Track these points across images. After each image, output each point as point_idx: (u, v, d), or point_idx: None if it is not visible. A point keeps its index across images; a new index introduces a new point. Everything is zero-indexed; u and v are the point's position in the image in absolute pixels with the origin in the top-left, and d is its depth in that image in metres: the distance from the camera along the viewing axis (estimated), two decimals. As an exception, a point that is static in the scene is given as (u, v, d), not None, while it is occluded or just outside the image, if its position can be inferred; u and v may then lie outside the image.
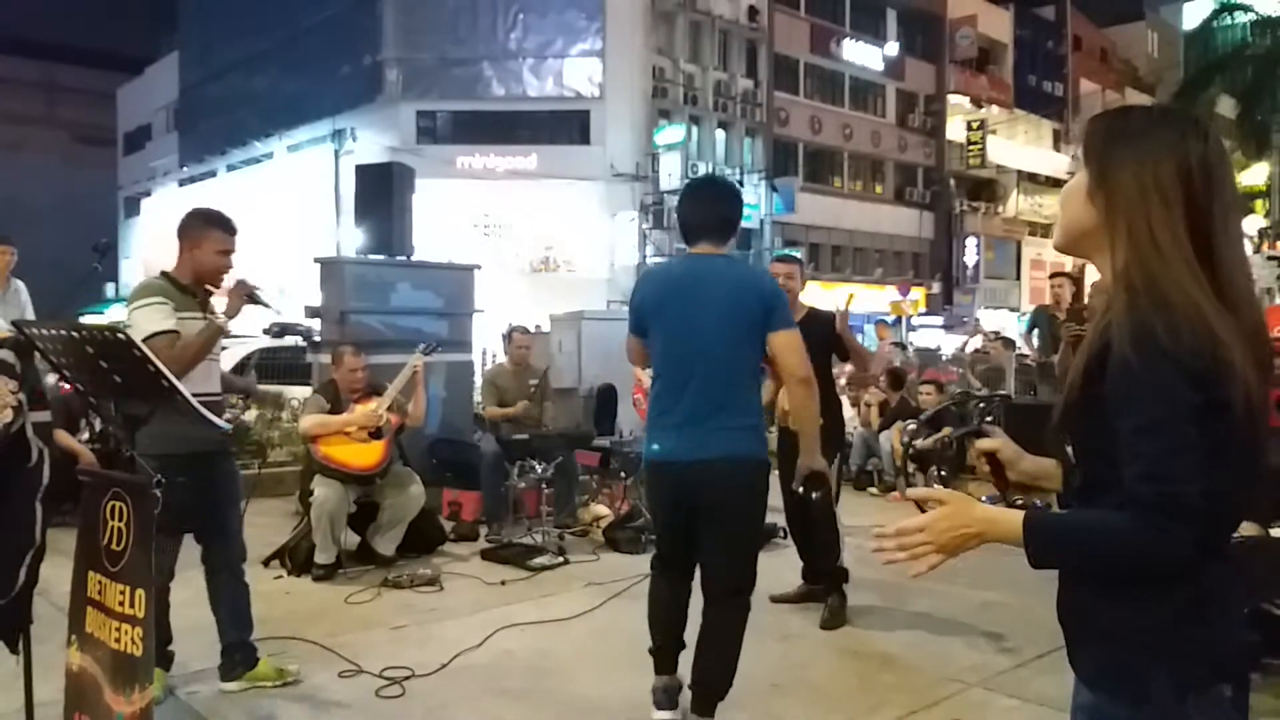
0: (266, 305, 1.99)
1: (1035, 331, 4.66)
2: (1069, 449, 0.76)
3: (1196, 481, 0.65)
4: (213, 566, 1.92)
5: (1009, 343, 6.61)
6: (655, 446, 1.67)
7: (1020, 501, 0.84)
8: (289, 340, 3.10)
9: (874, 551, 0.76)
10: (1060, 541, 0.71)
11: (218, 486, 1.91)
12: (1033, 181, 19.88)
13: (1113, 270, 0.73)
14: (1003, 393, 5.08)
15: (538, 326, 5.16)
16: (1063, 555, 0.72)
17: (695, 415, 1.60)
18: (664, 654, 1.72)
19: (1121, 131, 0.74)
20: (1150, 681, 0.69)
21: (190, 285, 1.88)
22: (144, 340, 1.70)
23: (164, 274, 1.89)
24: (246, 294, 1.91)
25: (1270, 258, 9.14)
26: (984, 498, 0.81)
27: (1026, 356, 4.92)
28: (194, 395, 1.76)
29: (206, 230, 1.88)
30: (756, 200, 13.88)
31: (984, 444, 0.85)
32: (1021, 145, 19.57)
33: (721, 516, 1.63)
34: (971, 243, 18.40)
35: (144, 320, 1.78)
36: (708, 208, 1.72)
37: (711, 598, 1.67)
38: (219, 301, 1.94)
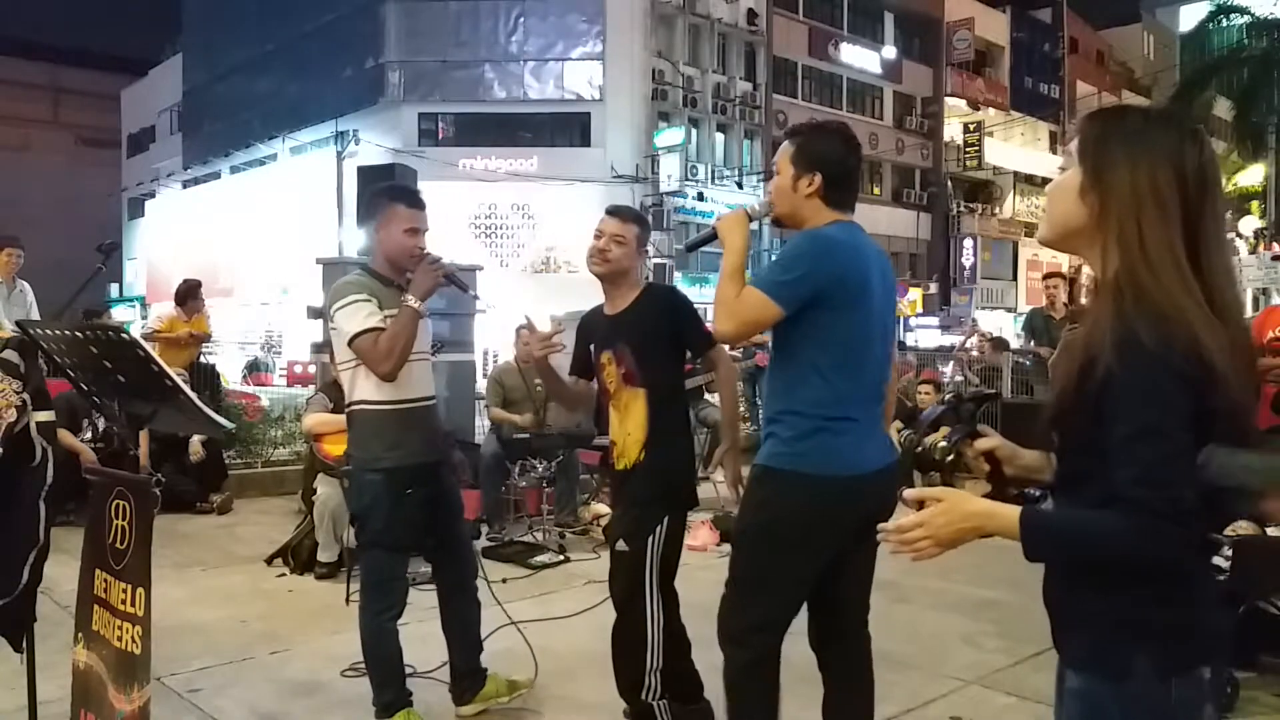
0: (464, 288, 1.70)
1: (1033, 333, 4.68)
2: (1054, 440, 0.80)
3: (1188, 486, 0.69)
4: (447, 587, 1.78)
5: (999, 343, 6.64)
6: (864, 455, 1.25)
7: (1015, 493, 0.88)
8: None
9: (881, 540, 0.82)
10: (1055, 538, 0.74)
11: (448, 499, 1.76)
12: (1029, 183, 19.91)
13: (1103, 272, 0.74)
14: (992, 390, 5.09)
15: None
16: (1057, 550, 0.75)
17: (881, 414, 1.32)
18: None
19: (1118, 132, 0.74)
20: (1134, 664, 0.73)
21: (390, 276, 1.64)
22: (349, 343, 1.57)
23: (363, 267, 1.68)
24: (444, 274, 1.60)
25: (1275, 258, 9.16)
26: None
27: (1025, 355, 4.94)
28: (408, 401, 1.63)
29: (390, 208, 1.64)
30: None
31: (983, 444, 0.89)
32: (1018, 147, 19.60)
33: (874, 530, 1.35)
34: (968, 244, 18.42)
35: (346, 322, 1.58)
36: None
37: (850, 633, 1.38)
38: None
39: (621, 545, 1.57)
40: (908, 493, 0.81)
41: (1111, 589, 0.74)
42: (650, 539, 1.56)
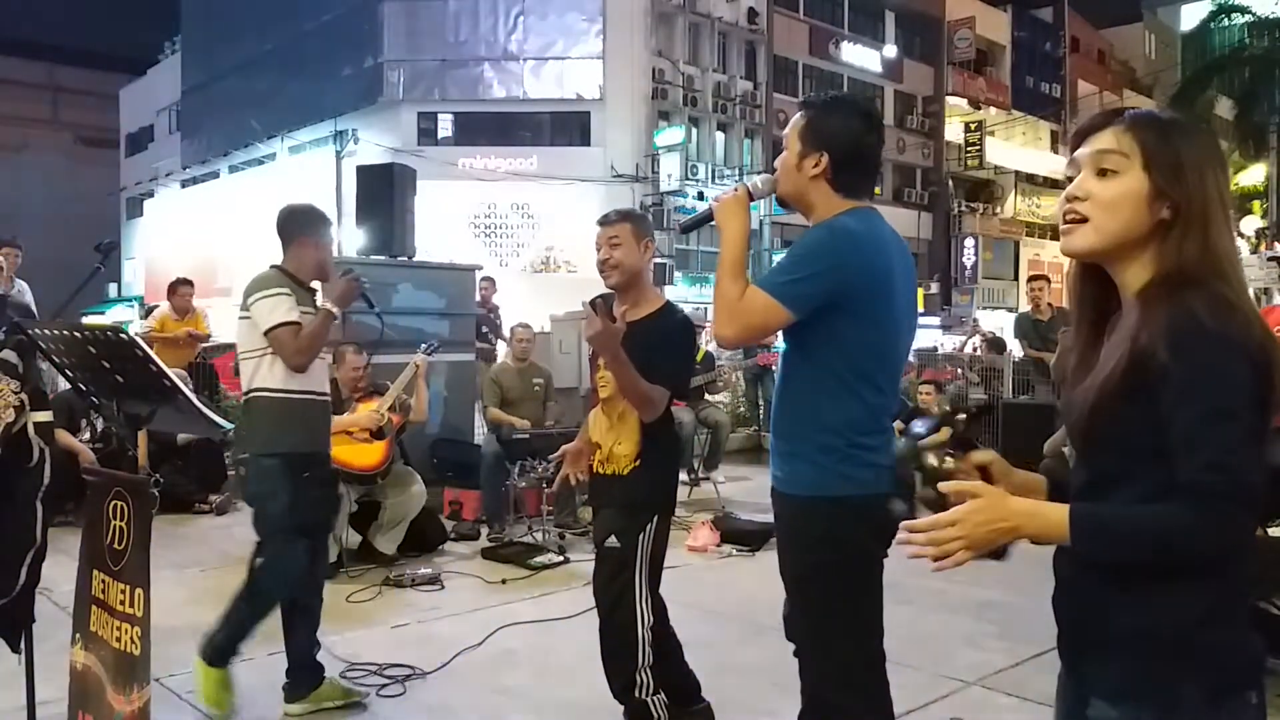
0: (371, 306, 1.93)
1: (1024, 336, 4.68)
2: (1079, 439, 0.75)
3: (1257, 472, 0.65)
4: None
5: (996, 344, 6.63)
6: (895, 470, 1.16)
7: None
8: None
9: (900, 544, 0.76)
10: (1112, 535, 0.68)
11: (333, 490, 1.87)
12: (1030, 182, 19.91)
13: (1163, 269, 0.72)
14: (986, 403, 5.07)
15: (542, 327, 5.21)
16: (1113, 549, 0.68)
17: None
18: None
19: (1182, 138, 0.74)
20: (1182, 690, 0.67)
21: (301, 279, 1.82)
22: (267, 331, 1.70)
23: (278, 268, 1.82)
24: (360, 291, 1.84)
25: (1273, 258, 9.19)
26: None
27: (1029, 362, 4.95)
28: (306, 393, 1.75)
29: (326, 228, 1.87)
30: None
31: (978, 457, 0.83)
32: (1019, 146, 19.60)
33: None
34: (969, 243, 18.42)
35: (269, 310, 1.71)
36: None
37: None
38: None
39: (612, 541, 1.53)
40: (944, 485, 0.73)
41: (1155, 604, 0.68)
42: (641, 536, 1.52)
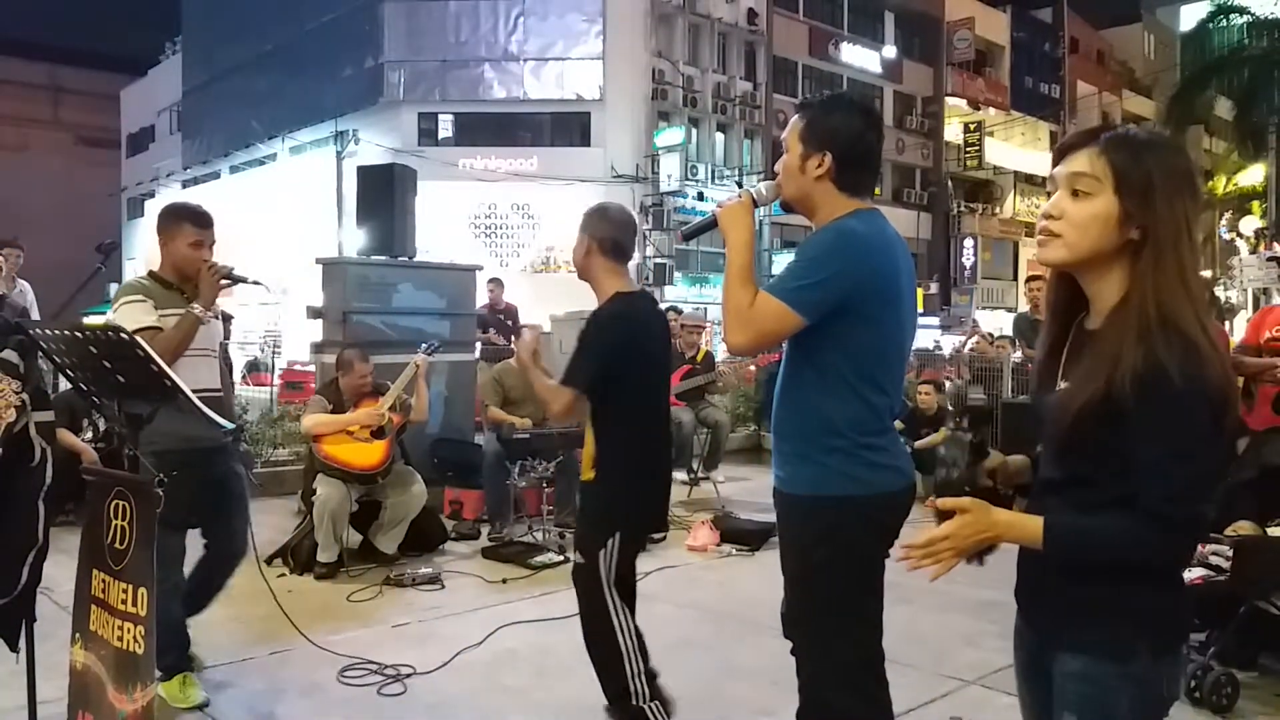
0: (245, 280, 1.92)
1: (1021, 336, 4.71)
2: (1053, 442, 0.84)
3: (1209, 502, 0.78)
4: (210, 553, 1.93)
5: (1011, 341, 6.67)
6: (902, 465, 1.16)
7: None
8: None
9: (899, 560, 0.85)
10: (1078, 547, 0.80)
11: (220, 483, 1.89)
12: (1030, 183, 19.91)
13: (1130, 297, 0.77)
14: (986, 405, 5.08)
15: (542, 327, 5.22)
16: (1080, 557, 0.80)
17: None
18: None
19: (1156, 161, 0.77)
20: (1137, 646, 0.81)
21: (175, 282, 1.86)
22: None
23: (150, 273, 1.89)
24: (220, 277, 1.85)
25: (1271, 258, 9.20)
26: None
27: (1026, 361, 4.97)
28: (192, 391, 1.78)
29: (178, 225, 1.86)
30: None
31: (991, 464, 0.93)
32: (1018, 147, 19.59)
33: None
34: (969, 243, 18.44)
35: (124, 319, 1.76)
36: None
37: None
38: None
39: (577, 558, 1.54)
40: (940, 501, 0.82)
41: (1118, 584, 0.80)
42: (601, 553, 1.50)
